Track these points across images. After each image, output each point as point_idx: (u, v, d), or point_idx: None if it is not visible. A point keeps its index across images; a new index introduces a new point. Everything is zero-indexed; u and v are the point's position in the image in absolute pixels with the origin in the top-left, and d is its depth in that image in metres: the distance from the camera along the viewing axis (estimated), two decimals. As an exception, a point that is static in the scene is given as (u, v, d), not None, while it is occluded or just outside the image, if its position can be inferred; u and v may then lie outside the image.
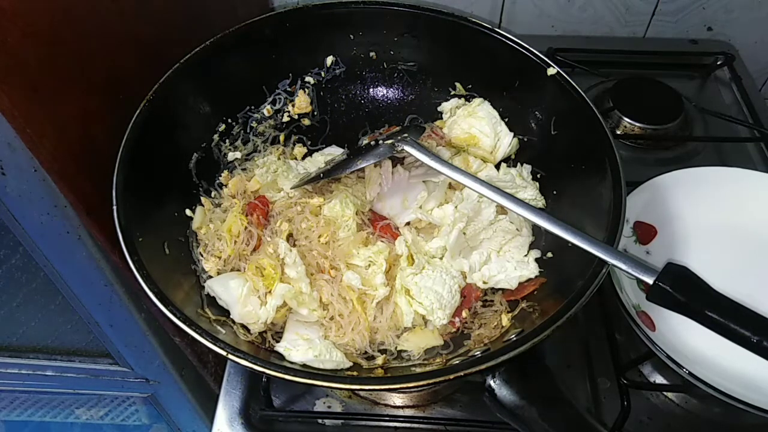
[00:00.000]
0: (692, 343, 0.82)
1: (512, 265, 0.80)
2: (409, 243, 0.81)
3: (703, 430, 0.83)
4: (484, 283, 0.81)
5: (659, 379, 0.87)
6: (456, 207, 0.83)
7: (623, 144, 1.12)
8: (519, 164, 0.90)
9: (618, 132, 1.12)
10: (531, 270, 0.80)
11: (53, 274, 0.84)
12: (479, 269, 0.81)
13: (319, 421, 0.84)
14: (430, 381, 0.62)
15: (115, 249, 0.72)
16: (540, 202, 0.86)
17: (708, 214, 0.94)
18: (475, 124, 0.91)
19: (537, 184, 0.87)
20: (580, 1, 1.23)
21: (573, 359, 0.88)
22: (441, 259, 0.82)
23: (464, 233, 0.82)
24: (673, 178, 0.95)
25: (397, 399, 0.85)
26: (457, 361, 0.65)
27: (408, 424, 0.83)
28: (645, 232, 0.94)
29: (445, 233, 0.81)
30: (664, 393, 0.86)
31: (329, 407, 0.85)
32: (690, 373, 0.75)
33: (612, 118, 1.14)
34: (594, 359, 0.88)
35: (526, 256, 0.82)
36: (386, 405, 0.85)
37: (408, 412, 0.85)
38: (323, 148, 0.96)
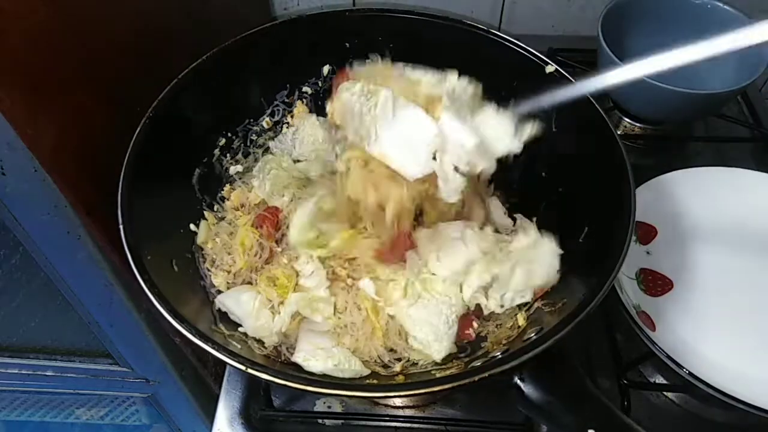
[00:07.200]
0: (692, 343, 0.82)
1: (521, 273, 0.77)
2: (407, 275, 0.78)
3: (703, 430, 0.83)
4: (501, 307, 0.78)
5: (659, 379, 0.87)
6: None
7: (623, 144, 1.11)
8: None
9: (618, 132, 1.12)
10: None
11: (53, 274, 0.84)
12: (488, 299, 0.78)
13: (319, 421, 0.84)
14: (455, 384, 0.59)
15: (116, 249, 0.72)
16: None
17: (708, 214, 0.94)
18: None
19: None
20: (580, 1, 1.23)
21: (573, 359, 0.88)
22: (444, 282, 0.78)
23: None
24: (673, 178, 0.95)
25: (397, 399, 0.85)
26: (479, 363, 0.64)
27: (408, 424, 0.83)
28: (645, 232, 0.94)
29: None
30: (664, 393, 0.86)
31: (329, 407, 0.85)
32: (690, 373, 0.75)
33: (612, 118, 1.14)
34: (594, 359, 0.87)
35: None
36: (386, 405, 0.85)
37: (408, 412, 0.85)
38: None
